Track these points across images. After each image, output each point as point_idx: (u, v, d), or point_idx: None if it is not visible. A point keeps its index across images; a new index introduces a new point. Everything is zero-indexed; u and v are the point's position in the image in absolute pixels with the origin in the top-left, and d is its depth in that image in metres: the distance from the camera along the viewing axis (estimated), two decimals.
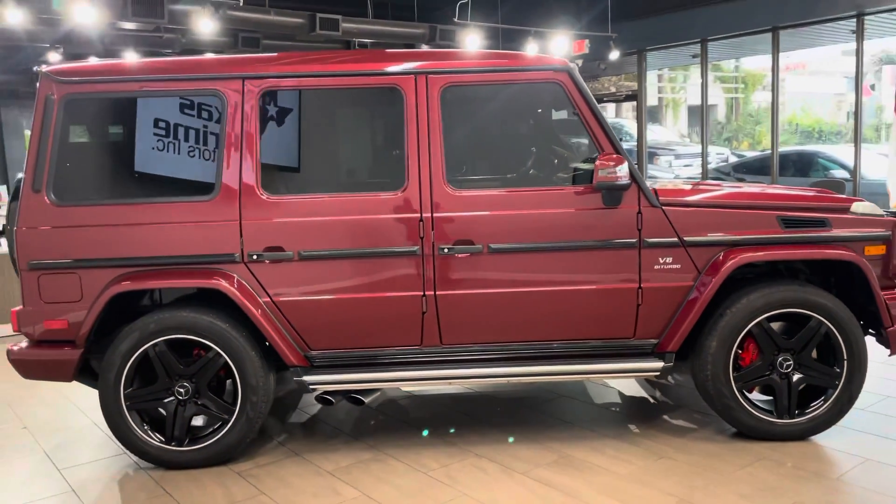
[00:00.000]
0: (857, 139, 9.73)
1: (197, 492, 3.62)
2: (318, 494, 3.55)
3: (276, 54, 3.96)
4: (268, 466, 3.88)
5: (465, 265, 3.83)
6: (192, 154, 3.89)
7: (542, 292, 3.85)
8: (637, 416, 4.42)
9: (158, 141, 3.88)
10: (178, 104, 3.86)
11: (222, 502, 3.51)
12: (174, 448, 3.84)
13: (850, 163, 10.08)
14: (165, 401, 3.85)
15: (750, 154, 18.04)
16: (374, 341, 3.92)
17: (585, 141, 3.96)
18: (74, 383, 5.01)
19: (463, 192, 3.83)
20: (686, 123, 31.97)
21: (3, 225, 4.30)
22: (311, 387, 3.85)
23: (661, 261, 3.84)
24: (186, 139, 3.89)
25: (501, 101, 4.05)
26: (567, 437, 4.08)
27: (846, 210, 3.97)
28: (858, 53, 9.23)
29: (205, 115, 3.89)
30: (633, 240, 3.81)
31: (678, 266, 3.85)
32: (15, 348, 3.88)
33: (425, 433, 4.21)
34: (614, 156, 3.70)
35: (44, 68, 3.82)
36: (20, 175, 4.22)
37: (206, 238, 3.78)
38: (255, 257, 3.78)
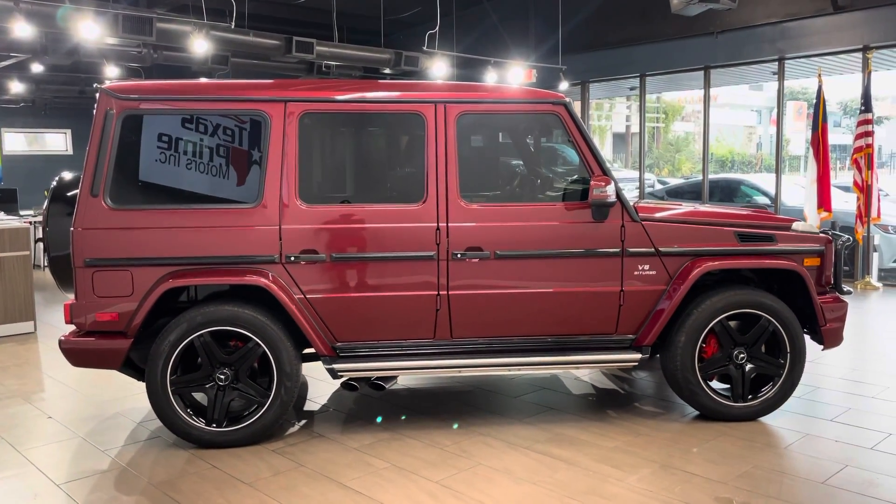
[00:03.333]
0: (777, 169, 10.80)
1: (241, 465, 4.08)
2: (352, 465, 4.06)
3: (314, 80, 4.49)
4: (299, 445, 4.36)
5: (475, 269, 4.43)
6: (229, 167, 4.37)
7: (539, 293, 4.48)
8: (612, 403, 5.09)
9: (194, 156, 4.35)
10: (213, 126, 4.33)
11: (267, 472, 3.98)
12: (214, 429, 4.29)
13: (771, 190, 11.15)
14: (207, 386, 4.30)
15: (672, 181, 19.31)
16: (392, 334, 4.47)
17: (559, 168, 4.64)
18: (86, 378, 5.41)
19: (474, 205, 4.44)
20: (611, 150, 33.50)
21: (42, 227, 4.66)
22: (339, 374, 4.36)
23: (640, 268, 4.53)
24: (219, 156, 4.36)
25: (507, 127, 4.69)
26: (556, 420, 4.71)
27: (788, 228, 4.76)
28: (780, 93, 10.30)
29: (229, 134, 4.36)
30: (617, 249, 4.49)
31: (654, 273, 4.55)
32: (67, 338, 4.26)
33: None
34: (604, 177, 4.38)
35: (104, 85, 4.26)
36: (58, 179, 4.63)
37: (249, 241, 4.26)
38: (292, 258, 4.29)
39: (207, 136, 4.34)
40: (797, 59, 10.29)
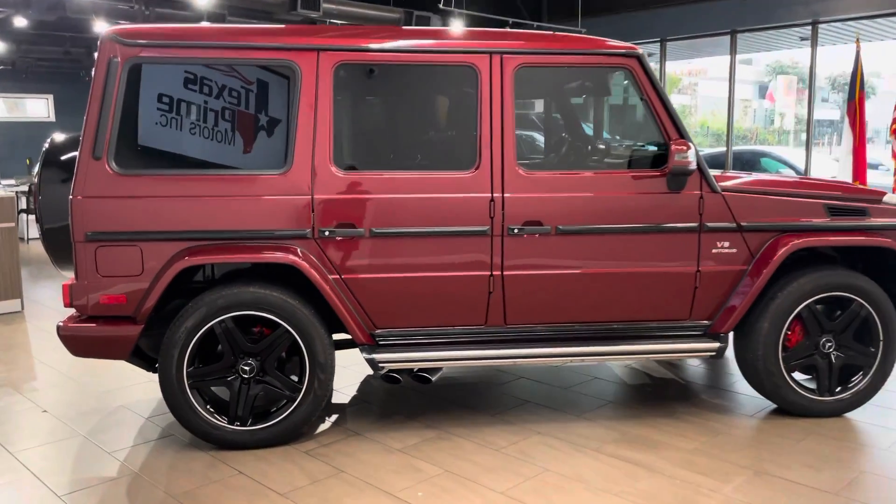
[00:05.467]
0: (808, 141, 10.28)
1: (271, 471, 3.53)
2: (400, 472, 3.53)
3: (350, 26, 3.88)
4: (333, 445, 3.82)
5: (533, 246, 3.88)
6: (262, 125, 3.77)
7: (606, 274, 3.94)
8: (673, 394, 4.58)
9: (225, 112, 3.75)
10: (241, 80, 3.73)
11: (303, 480, 3.44)
12: (238, 428, 3.74)
13: (794, 162, 10.65)
14: (228, 379, 3.74)
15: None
16: (438, 320, 3.92)
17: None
18: (81, 364, 4.84)
19: (533, 173, 3.87)
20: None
21: (32, 191, 4.05)
22: (380, 365, 3.81)
23: (719, 245, 4.00)
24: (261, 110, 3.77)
25: (571, 83, 4.12)
26: (620, 416, 4.20)
27: (880, 201, 4.23)
28: (812, 59, 9.76)
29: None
30: (694, 224, 3.95)
31: (734, 251, 4.01)
32: (66, 324, 3.68)
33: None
34: (685, 141, 3.82)
35: (107, 30, 3.63)
36: (49, 141, 4.02)
37: (277, 213, 3.69)
38: (326, 233, 3.72)
39: (226, 90, 3.73)
40: (832, 23, 9.72)
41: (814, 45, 9.80)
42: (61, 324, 3.68)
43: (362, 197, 3.74)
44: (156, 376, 4.26)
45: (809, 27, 9.70)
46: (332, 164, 3.72)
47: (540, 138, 4.46)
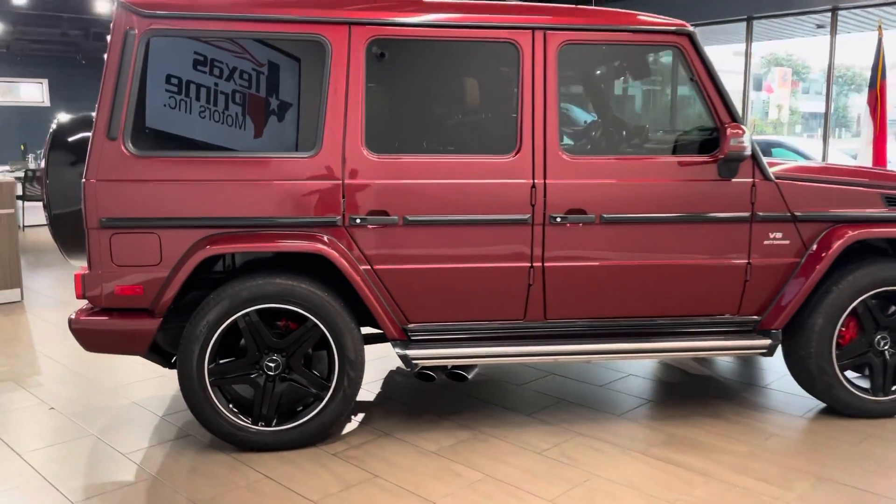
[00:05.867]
0: (826, 132, 10.07)
1: (300, 475, 3.30)
2: (438, 476, 3.29)
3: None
4: (363, 447, 3.58)
5: (576, 236, 3.64)
6: (290, 106, 3.52)
7: (652, 266, 3.71)
8: (713, 392, 4.35)
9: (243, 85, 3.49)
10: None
11: (335, 486, 3.20)
12: (263, 428, 3.50)
13: (809, 153, 10.44)
14: (252, 376, 3.50)
15: None
16: (474, 314, 3.68)
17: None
18: (86, 357, 4.60)
19: (577, 158, 3.63)
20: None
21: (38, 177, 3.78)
22: (414, 361, 3.57)
23: (771, 236, 3.77)
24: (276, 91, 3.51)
25: (618, 62, 3.87)
26: (662, 416, 3.97)
27: None
28: (832, 47, 9.53)
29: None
30: (746, 213, 3.72)
31: (787, 242, 3.78)
32: (78, 317, 3.42)
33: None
34: (740, 125, 3.59)
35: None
36: (56, 121, 3.76)
37: (305, 199, 3.44)
38: (357, 221, 3.47)
39: (250, 67, 3.48)
40: (853, 10, 9.49)
41: (833, 32, 9.57)
42: (73, 316, 3.43)
43: (396, 183, 3.49)
44: (169, 371, 4.05)
45: (829, 14, 9.46)
46: (364, 147, 3.47)
47: (583, 120, 4.21)
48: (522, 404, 4.14)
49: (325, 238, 3.45)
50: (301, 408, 3.59)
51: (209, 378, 3.43)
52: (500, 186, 3.57)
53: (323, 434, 3.58)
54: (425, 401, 4.20)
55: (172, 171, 3.36)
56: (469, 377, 3.72)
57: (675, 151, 3.80)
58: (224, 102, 3.46)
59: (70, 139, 3.68)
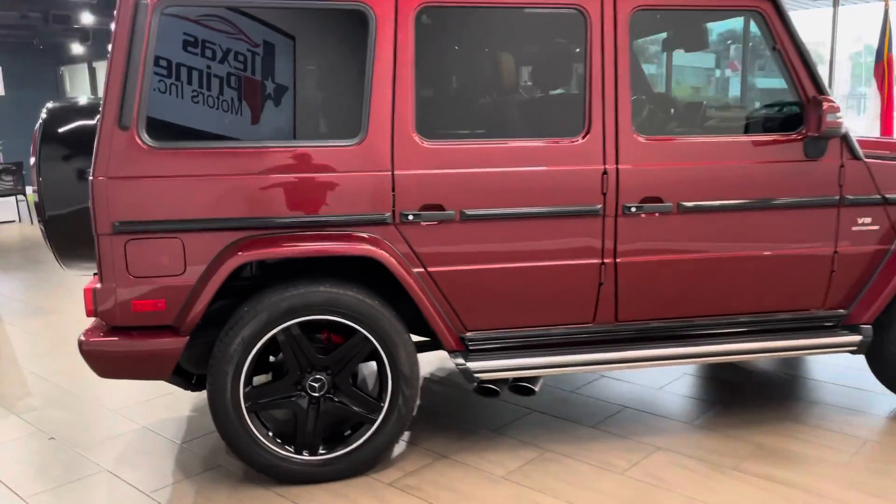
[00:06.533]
0: None
1: None
2: None
3: None
4: (420, 473, 3.16)
5: (651, 227, 3.24)
6: (319, 86, 3.06)
7: (732, 258, 3.33)
8: (786, 394, 4.01)
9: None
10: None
11: None
12: (308, 458, 3.05)
13: None
14: (293, 399, 3.05)
15: None
16: (539, 319, 3.27)
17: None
18: (76, 374, 4.14)
19: (652, 139, 3.22)
20: None
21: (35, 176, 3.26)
22: (476, 375, 3.15)
23: (860, 221, 3.41)
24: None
25: (694, 30, 3.47)
26: (741, 424, 3.60)
27: None
28: (834, 19, 9.25)
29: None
30: (834, 197, 3.36)
31: (876, 227, 3.43)
32: (89, 338, 2.93)
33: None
34: (833, 100, 3.22)
35: None
36: (47, 110, 3.25)
37: (350, 193, 2.98)
38: (409, 217, 3.02)
39: (281, 41, 3.00)
40: None
41: (836, 3, 9.28)
42: (83, 338, 2.93)
43: (452, 173, 3.05)
44: (177, 389, 3.58)
45: None
46: (415, 133, 3.02)
47: (657, 96, 3.80)
48: (582, 414, 3.75)
49: (375, 238, 3.00)
50: (349, 431, 3.15)
51: (245, 403, 2.97)
52: (567, 174, 3.15)
53: (373, 462, 3.15)
54: (471, 413, 3.79)
55: (196, 165, 2.87)
56: (536, 390, 3.30)
57: (756, 129, 3.42)
58: (250, 83, 2.99)
59: (64, 129, 3.18)
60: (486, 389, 3.26)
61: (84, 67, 16.21)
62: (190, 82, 2.92)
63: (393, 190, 3.01)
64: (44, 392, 4.21)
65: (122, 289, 2.88)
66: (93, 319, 3.09)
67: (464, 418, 3.73)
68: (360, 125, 2.98)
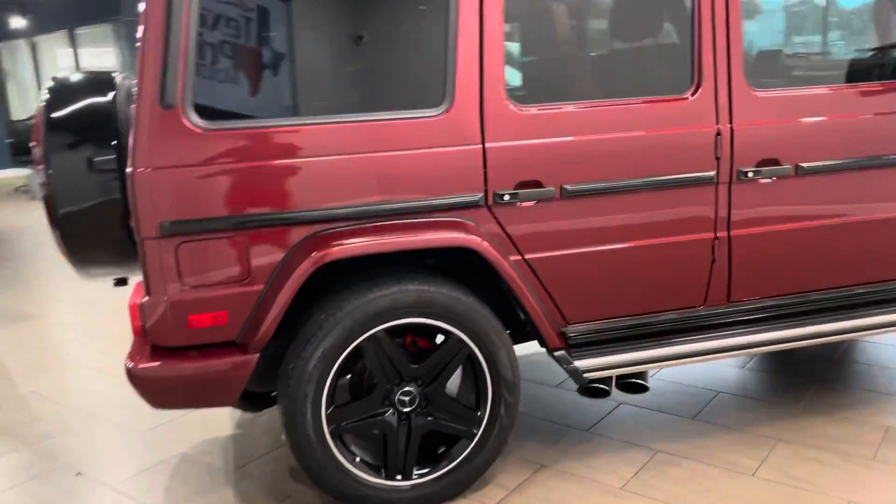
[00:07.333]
0: None
1: None
2: None
3: None
4: (524, 489, 2.76)
5: (768, 193, 2.86)
6: (398, 49, 2.58)
7: (855, 224, 2.98)
8: (870, 363, 3.70)
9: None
10: None
11: None
12: (401, 484, 2.62)
13: None
14: (382, 417, 2.61)
15: None
16: (645, 306, 2.87)
17: None
18: (83, 389, 3.67)
19: (768, 92, 2.82)
20: None
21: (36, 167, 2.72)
22: (585, 375, 2.74)
23: None
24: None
25: None
26: (851, 403, 3.29)
27: None
28: None
29: None
30: None
31: None
32: (137, 363, 2.43)
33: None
34: None
35: None
36: (50, 88, 2.72)
37: (435, 172, 2.52)
38: (505, 198, 2.58)
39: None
40: None
41: None
42: (132, 364, 2.43)
43: (548, 142, 2.61)
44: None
45: None
46: (508, 98, 2.57)
47: (766, 41, 3.40)
48: (673, 403, 3.39)
49: (467, 224, 2.56)
50: (442, 449, 2.72)
51: (328, 427, 2.52)
52: (676, 137, 2.73)
53: (472, 482, 2.73)
54: (547, 411, 3.40)
55: (259, 148, 2.37)
56: (649, 386, 2.91)
57: (877, 78, 3.04)
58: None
59: (73, 109, 2.64)
60: (595, 390, 2.86)
61: (23, 43, 15.13)
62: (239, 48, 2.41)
63: (485, 166, 2.55)
64: (52, 415, 3.68)
65: (175, 302, 2.38)
66: (132, 338, 2.60)
67: (542, 417, 3.34)
68: (444, 92, 2.51)
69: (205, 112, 2.33)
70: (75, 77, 2.78)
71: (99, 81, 2.73)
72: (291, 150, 2.39)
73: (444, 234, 2.49)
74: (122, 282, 3.06)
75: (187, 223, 2.34)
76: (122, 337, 4.69)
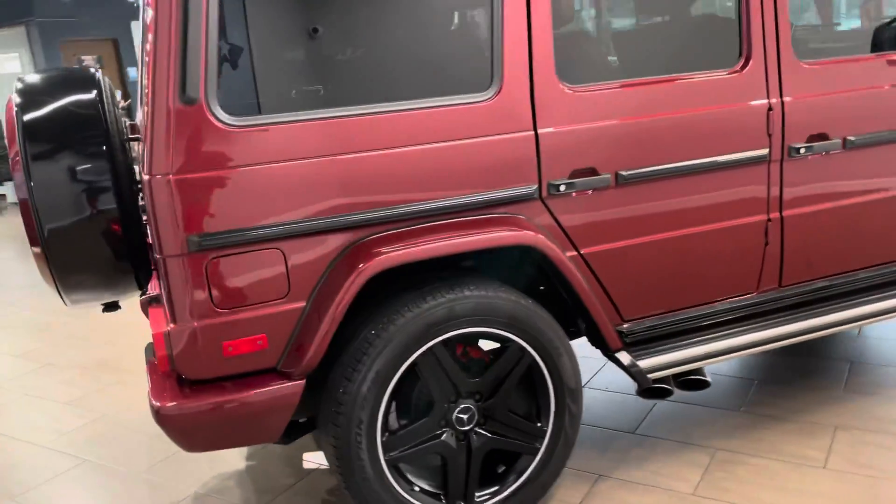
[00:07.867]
0: None
1: None
2: None
3: None
4: (590, 503, 2.54)
5: (819, 169, 2.73)
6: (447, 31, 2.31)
7: None
8: None
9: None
10: None
11: None
12: None
13: None
14: (441, 439, 2.34)
15: None
16: (700, 295, 2.70)
17: None
18: (83, 416, 3.31)
19: (817, 63, 2.67)
20: None
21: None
22: (648, 376, 2.53)
23: None
24: None
25: None
26: None
27: None
28: None
29: None
30: None
31: None
32: (164, 402, 2.09)
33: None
34: None
35: None
36: (20, 89, 2.37)
37: (486, 163, 2.27)
38: (560, 188, 2.35)
39: None
40: None
41: None
42: (159, 404, 2.09)
43: (604, 125, 2.39)
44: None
45: None
46: (559, 79, 2.33)
47: (810, 13, 3.25)
48: (712, 395, 3.22)
49: (522, 220, 2.31)
50: (503, 467, 2.48)
51: (384, 456, 2.24)
52: (726, 114, 2.55)
53: (537, 500, 2.49)
54: (596, 417, 3.18)
55: (297, 144, 2.07)
56: (710, 381, 2.73)
57: None
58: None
59: (51, 110, 2.27)
60: (657, 391, 2.65)
61: None
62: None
63: (538, 154, 2.31)
64: (29, 461, 3.26)
65: (206, 327, 2.06)
66: (148, 372, 2.26)
67: (582, 421, 3.12)
68: (492, 75, 2.26)
69: (233, 106, 2.01)
70: (48, 74, 2.42)
71: (79, 78, 2.37)
72: (330, 147, 2.10)
73: (504, 233, 2.23)
74: (111, 306, 2.71)
75: (219, 236, 2.02)
76: (88, 366, 4.27)
